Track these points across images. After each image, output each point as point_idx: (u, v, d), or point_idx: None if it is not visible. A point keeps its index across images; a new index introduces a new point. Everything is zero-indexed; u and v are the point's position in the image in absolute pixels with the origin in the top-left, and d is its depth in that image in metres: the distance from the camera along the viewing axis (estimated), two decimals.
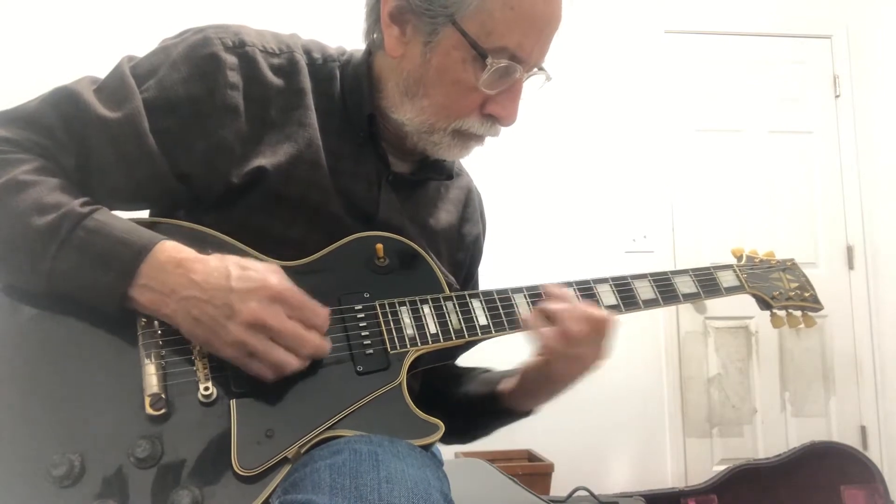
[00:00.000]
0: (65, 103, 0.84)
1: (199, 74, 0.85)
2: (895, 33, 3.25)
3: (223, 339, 0.73)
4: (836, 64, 3.43)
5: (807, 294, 1.13)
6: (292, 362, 0.75)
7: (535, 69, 0.90)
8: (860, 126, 3.37)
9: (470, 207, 1.11)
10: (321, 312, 0.78)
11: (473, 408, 1.00)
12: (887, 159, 3.25)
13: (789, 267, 1.16)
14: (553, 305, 0.86)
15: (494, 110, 0.89)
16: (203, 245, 0.80)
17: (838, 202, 3.37)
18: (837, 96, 3.42)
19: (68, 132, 0.83)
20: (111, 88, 0.86)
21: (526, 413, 0.97)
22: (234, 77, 0.87)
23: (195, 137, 0.85)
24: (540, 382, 0.92)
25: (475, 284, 1.15)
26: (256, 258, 0.82)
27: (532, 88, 0.93)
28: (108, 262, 0.75)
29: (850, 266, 3.33)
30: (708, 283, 1.03)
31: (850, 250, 3.34)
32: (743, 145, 3.35)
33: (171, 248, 0.77)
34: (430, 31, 0.86)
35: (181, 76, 0.85)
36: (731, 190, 3.32)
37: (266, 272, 0.76)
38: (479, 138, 0.93)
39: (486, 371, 1.07)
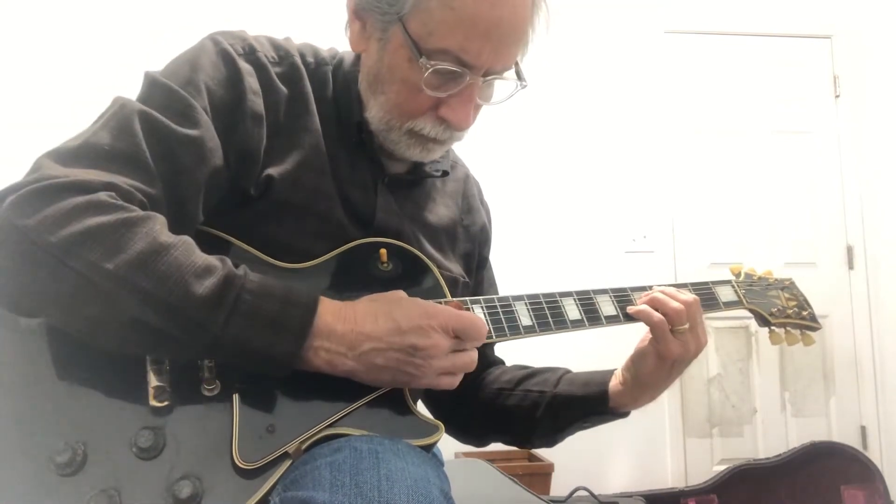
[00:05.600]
0: (143, 129, 0.77)
1: (229, 82, 0.85)
2: (895, 33, 3.25)
3: (417, 375, 0.77)
4: (836, 64, 3.43)
5: (804, 312, 1.13)
6: (473, 356, 0.82)
7: (496, 75, 0.86)
8: (860, 126, 3.37)
9: (469, 197, 1.11)
10: (472, 321, 0.82)
11: (570, 409, 1.03)
12: (887, 159, 3.25)
13: (787, 285, 1.16)
14: (646, 297, 0.98)
15: (446, 113, 0.86)
16: (226, 255, 0.77)
17: (838, 202, 3.37)
18: (837, 96, 3.42)
19: (157, 161, 0.77)
20: (163, 103, 0.80)
21: (625, 414, 1.02)
22: (255, 84, 0.87)
23: (232, 143, 0.84)
24: (652, 373, 0.97)
25: (489, 270, 1.17)
26: (273, 265, 0.84)
27: (503, 94, 0.91)
28: (280, 328, 0.72)
29: (850, 266, 3.33)
30: (706, 298, 1.04)
31: (850, 250, 3.34)
32: (743, 146, 3.35)
33: (330, 306, 0.76)
34: (382, 29, 0.86)
35: (215, 82, 0.84)
36: (731, 190, 3.32)
37: (415, 305, 0.80)
38: (435, 140, 0.90)
39: (552, 371, 1.09)
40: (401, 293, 0.82)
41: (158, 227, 0.71)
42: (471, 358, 0.81)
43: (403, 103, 0.87)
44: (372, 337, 0.75)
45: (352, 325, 0.75)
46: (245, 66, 0.86)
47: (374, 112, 0.90)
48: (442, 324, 0.78)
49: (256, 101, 0.86)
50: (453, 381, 0.81)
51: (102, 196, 0.70)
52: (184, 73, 0.84)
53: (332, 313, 0.75)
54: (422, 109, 0.87)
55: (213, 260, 0.72)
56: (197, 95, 0.82)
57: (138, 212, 0.72)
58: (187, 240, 0.73)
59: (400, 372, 0.77)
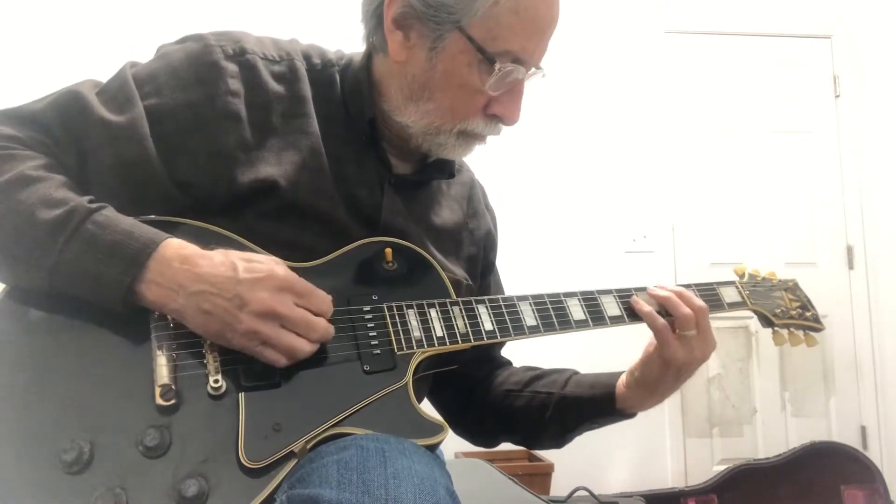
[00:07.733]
0: (68, 104, 0.85)
1: (199, 81, 0.86)
2: (895, 33, 3.25)
3: (236, 330, 0.74)
4: (836, 64, 3.43)
5: (808, 314, 1.13)
6: (304, 347, 0.77)
7: (536, 67, 0.92)
8: (860, 126, 3.37)
9: (474, 201, 1.12)
10: (325, 298, 0.80)
11: (578, 411, 1.03)
12: (887, 159, 3.26)
13: (791, 286, 1.16)
14: (661, 293, 0.98)
15: (498, 111, 0.91)
16: (208, 242, 0.80)
17: (838, 202, 3.37)
18: (837, 96, 3.42)
19: (70, 132, 0.84)
20: (112, 92, 0.87)
21: (632, 414, 1.03)
22: (235, 84, 0.87)
23: (196, 144, 0.85)
24: (658, 377, 0.97)
25: (496, 274, 1.17)
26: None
27: (529, 85, 0.93)
28: (115, 255, 0.74)
29: (850, 266, 3.34)
30: (710, 299, 1.04)
31: (850, 250, 3.34)
32: (743, 146, 3.36)
33: (176, 245, 0.77)
34: (435, 37, 0.87)
35: (181, 83, 0.86)
36: (731, 190, 3.32)
37: (271, 263, 0.78)
38: (482, 137, 0.95)
39: (559, 372, 1.09)
40: (279, 259, 0.80)
41: (36, 164, 0.79)
42: (296, 344, 0.76)
43: (459, 107, 0.90)
44: (205, 279, 0.74)
45: (191, 267, 0.75)
46: (228, 67, 0.88)
47: (416, 118, 0.91)
48: (284, 286, 0.76)
49: (233, 102, 0.87)
50: (274, 357, 0.75)
51: None
52: (150, 70, 0.88)
53: (176, 252, 0.76)
54: (475, 110, 0.90)
55: (72, 195, 0.77)
56: (151, 94, 0.86)
57: (24, 150, 0.79)
58: (61, 179, 0.79)
59: (223, 323, 0.74)
